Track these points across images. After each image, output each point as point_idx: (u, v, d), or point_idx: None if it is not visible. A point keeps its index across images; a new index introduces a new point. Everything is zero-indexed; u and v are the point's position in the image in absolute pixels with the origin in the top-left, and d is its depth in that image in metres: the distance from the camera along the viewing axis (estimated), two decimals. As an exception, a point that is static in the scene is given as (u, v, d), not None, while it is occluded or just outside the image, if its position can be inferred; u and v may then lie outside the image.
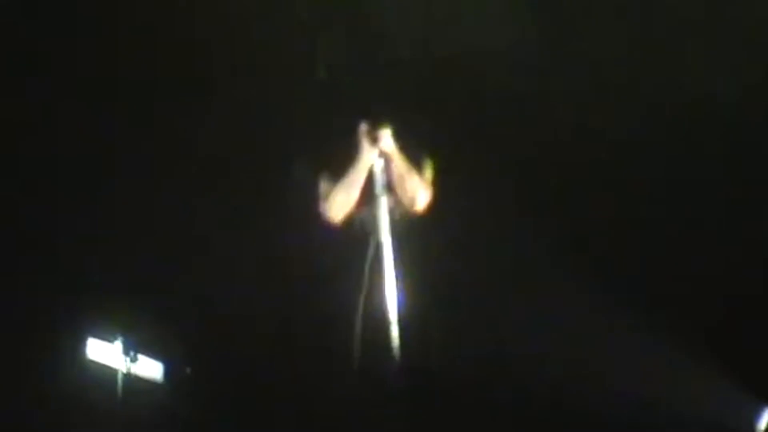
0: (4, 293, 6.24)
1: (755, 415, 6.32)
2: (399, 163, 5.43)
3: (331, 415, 5.77)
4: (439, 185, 5.62)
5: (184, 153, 6.53)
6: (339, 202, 5.46)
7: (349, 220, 5.50)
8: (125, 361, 5.80)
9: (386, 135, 5.36)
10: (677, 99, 6.63)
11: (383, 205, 5.34)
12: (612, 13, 6.72)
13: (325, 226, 5.53)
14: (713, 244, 6.56)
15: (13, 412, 5.95)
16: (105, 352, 5.85)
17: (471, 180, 6.33)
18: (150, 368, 5.92)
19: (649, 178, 6.68)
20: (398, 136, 5.42)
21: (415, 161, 5.52)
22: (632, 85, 6.69)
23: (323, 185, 5.51)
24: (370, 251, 5.35)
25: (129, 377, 5.85)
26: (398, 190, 5.46)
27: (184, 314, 6.31)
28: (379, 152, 5.37)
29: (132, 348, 5.80)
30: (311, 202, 5.59)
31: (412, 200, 5.51)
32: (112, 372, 5.87)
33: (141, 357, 5.83)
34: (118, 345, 5.80)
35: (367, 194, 5.42)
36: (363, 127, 5.39)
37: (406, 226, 5.49)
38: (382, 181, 5.37)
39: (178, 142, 6.52)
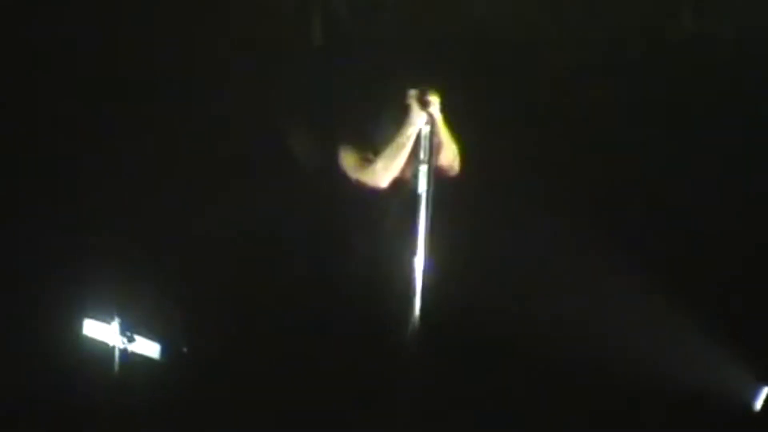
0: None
1: (752, 394, 6.34)
2: (442, 128, 5.45)
3: (333, 389, 5.82)
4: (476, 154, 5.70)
5: (186, 131, 6.53)
6: (386, 167, 5.50)
7: (394, 185, 5.56)
8: (122, 341, 5.78)
9: (435, 100, 5.38)
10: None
11: (425, 170, 5.35)
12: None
13: (365, 192, 5.58)
14: (723, 225, 6.59)
15: (10, 389, 5.96)
16: (102, 331, 5.82)
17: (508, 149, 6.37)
18: (147, 347, 5.90)
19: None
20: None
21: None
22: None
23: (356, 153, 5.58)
24: (411, 214, 5.37)
25: (126, 355, 5.83)
26: (439, 156, 5.50)
27: (181, 294, 6.30)
28: (427, 117, 5.37)
29: (129, 328, 5.78)
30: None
31: (451, 167, 5.61)
32: (108, 350, 5.85)
33: (138, 337, 5.81)
34: (115, 325, 5.78)
35: (412, 159, 5.45)
36: (413, 92, 5.40)
37: (446, 191, 5.49)
38: (427, 146, 5.37)
39: (181, 122, 6.52)
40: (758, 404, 6.33)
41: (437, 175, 5.47)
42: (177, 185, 6.53)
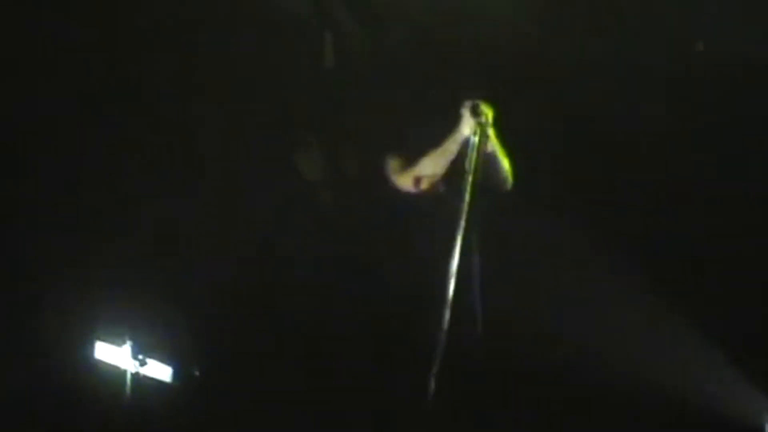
0: (12, 295, 6.24)
1: (763, 412, 6.34)
2: (494, 142, 5.45)
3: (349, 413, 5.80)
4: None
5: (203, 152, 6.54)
6: (425, 171, 5.50)
7: (432, 192, 5.54)
8: (134, 364, 5.78)
9: (487, 112, 5.37)
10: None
11: (469, 181, 5.26)
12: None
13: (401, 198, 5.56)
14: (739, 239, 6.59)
15: (22, 413, 5.95)
16: (114, 355, 5.82)
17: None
18: (159, 371, 5.90)
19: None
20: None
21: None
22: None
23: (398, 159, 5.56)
24: (448, 225, 5.30)
25: (138, 378, 5.83)
26: (491, 168, 5.47)
27: (194, 317, 6.30)
28: (476, 128, 5.37)
29: (141, 351, 5.78)
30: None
31: (504, 179, 5.58)
32: (120, 373, 5.85)
33: (150, 360, 5.81)
34: (126, 348, 5.78)
35: (456, 168, 5.41)
36: (466, 103, 5.39)
37: (488, 204, 5.46)
38: (473, 156, 5.33)
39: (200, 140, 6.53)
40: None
41: (484, 188, 5.43)
42: (193, 206, 6.52)
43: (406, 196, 5.59)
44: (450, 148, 5.44)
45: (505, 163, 5.57)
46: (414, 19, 6.82)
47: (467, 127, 5.36)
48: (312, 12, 6.79)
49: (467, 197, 5.23)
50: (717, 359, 6.36)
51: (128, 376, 5.79)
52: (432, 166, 5.51)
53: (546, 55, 6.80)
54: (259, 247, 6.57)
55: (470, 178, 5.26)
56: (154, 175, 6.53)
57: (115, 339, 5.81)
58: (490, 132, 5.40)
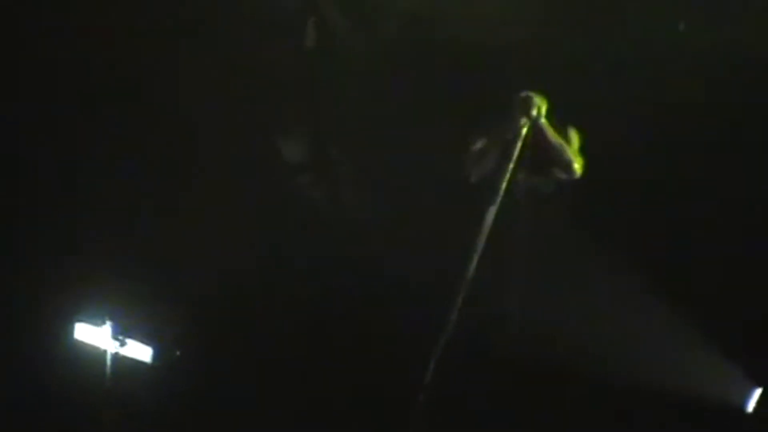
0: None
1: (745, 396, 6.35)
2: (551, 132, 5.49)
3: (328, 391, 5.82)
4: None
5: (182, 132, 6.53)
6: (479, 163, 5.56)
7: (482, 182, 5.59)
8: (114, 344, 5.75)
9: (539, 105, 5.42)
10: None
11: (514, 171, 5.39)
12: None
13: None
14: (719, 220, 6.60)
15: (1, 393, 5.93)
16: (93, 335, 5.80)
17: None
18: (139, 351, 5.87)
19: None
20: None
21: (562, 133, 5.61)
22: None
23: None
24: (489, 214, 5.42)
25: (118, 359, 5.81)
26: (552, 159, 5.56)
27: (174, 297, 6.28)
28: (526, 120, 5.39)
29: (120, 332, 5.75)
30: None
31: (569, 167, 5.63)
32: (100, 354, 5.82)
33: (130, 340, 5.78)
34: (106, 328, 5.75)
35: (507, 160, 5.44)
36: (519, 95, 5.43)
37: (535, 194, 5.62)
38: (521, 148, 5.40)
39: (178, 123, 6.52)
40: (751, 405, 6.34)
41: (547, 178, 5.59)
42: (172, 188, 6.51)
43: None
44: (501, 141, 5.50)
45: (566, 151, 5.61)
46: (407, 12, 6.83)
47: (518, 121, 5.39)
48: (302, 3, 6.79)
49: (501, 191, 5.28)
50: (697, 341, 6.37)
51: (108, 356, 5.76)
52: (485, 158, 5.59)
53: (539, 50, 6.80)
54: (243, 229, 6.55)
55: (512, 170, 5.31)
56: (136, 159, 6.52)
57: (95, 319, 5.78)
58: (545, 124, 5.42)
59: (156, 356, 5.90)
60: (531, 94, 5.45)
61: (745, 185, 6.60)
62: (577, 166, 5.66)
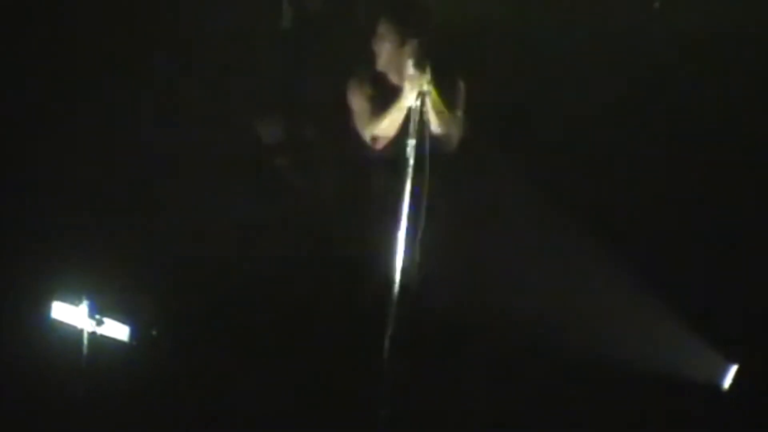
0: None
1: (721, 373, 6.38)
2: (436, 102, 5.50)
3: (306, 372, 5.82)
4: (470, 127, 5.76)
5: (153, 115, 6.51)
6: (382, 132, 5.65)
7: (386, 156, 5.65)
8: (91, 323, 5.73)
9: (427, 76, 5.40)
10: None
11: (413, 144, 5.39)
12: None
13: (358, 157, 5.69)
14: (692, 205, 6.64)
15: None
16: (70, 314, 5.78)
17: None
18: (116, 330, 5.86)
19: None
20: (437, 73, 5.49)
21: (450, 97, 5.67)
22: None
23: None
24: (396, 188, 5.43)
25: (95, 338, 5.79)
26: (434, 129, 5.54)
27: (152, 276, 6.27)
28: (418, 93, 5.40)
29: (97, 311, 5.73)
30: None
31: (448, 138, 5.68)
32: (77, 332, 5.80)
33: (107, 320, 5.76)
34: (83, 308, 5.73)
35: (404, 132, 5.48)
36: (408, 69, 5.41)
37: (437, 165, 5.56)
38: (417, 121, 5.41)
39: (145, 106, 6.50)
40: (726, 383, 6.38)
41: (437, 148, 5.54)
42: (146, 167, 6.50)
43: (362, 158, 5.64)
44: (396, 116, 5.55)
45: (450, 121, 5.65)
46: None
47: (409, 94, 5.42)
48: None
49: (411, 162, 5.30)
50: (673, 319, 6.41)
51: (85, 335, 5.74)
52: (387, 127, 5.60)
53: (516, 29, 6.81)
54: (222, 209, 6.55)
55: (414, 143, 5.33)
56: (113, 141, 6.51)
57: (72, 298, 5.76)
58: (433, 93, 5.43)
59: (133, 335, 5.90)
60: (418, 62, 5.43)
61: (721, 170, 6.64)
62: (457, 135, 5.68)
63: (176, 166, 6.50)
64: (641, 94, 6.79)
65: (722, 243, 6.64)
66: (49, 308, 5.82)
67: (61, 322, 5.81)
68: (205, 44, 6.60)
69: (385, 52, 5.71)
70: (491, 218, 6.55)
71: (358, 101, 5.76)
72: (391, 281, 5.42)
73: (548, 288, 6.46)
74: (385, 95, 5.67)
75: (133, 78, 6.50)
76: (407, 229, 5.39)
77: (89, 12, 6.55)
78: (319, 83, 6.42)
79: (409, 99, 5.45)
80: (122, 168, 6.47)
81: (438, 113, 5.55)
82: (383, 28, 5.70)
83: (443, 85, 5.61)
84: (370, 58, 5.77)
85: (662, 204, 6.77)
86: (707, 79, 6.74)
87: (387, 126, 5.62)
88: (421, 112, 5.40)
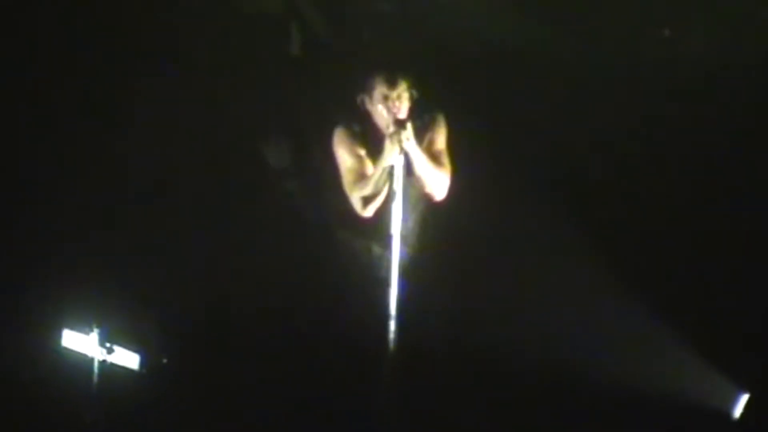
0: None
1: (733, 401, 6.36)
2: (419, 158, 5.53)
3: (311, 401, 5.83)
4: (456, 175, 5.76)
5: (162, 142, 6.53)
6: (367, 200, 5.63)
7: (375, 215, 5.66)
8: (101, 351, 5.76)
9: (407, 132, 5.43)
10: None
11: (399, 200, 5.42)
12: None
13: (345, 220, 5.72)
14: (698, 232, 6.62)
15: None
16: (81, 342, 5.80)
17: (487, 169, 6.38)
18: (126, 358, 5.88)
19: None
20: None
21: (434, 148, 5.68)
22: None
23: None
24: (384, 244, 5.48)
25: (105, 366, 5.81)
26: (419, 183, 5.62)
27: (161, 304, 6.29)
28: (399, 149, 5.43)
29: (108, 339, 5.76)
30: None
31: (433, 192, 5.68)
32: (88, 361, 5.83)
33: (117, 348, 5.79)
34: (94, 336, 5.76)
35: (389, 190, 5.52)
36: (390, 129, 5.47)
37: (421, 219, 5.70)
38: (401, 177, 5.45)
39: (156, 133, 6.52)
40: (737, 411, 6.36)
41: (422, 202, 5.66)
42: (156, 196, 6.51)
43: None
44: (381, 176, 5.55)
45: (435, 174, 5.65)
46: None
47: (390, 153, 5.45)
48: (285, 8, 6.80)
49: (395, 218, 5.37)
50: (684, 345, 6.39)
51: (96, 363, 5.77)
52: (370, 194, 5.63)
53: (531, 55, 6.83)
54: (228, 238, 6.56)
55: (398, 198, 5.38)
56: (122, 166, 6.52)
57: (83, 326, 5.79)
58: (415, 150, 5.48)
59: (143, 363, 5.92)
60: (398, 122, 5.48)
61: (731, 193, 6.63)
62: (443, 188, 5.70)
63: (185, 194, 6.51)
64: (649, 123, 6.77)
65: (741, 271, 6.61)
66: (60, 336, 5.86)
67: (72, 350, 5.85)
68: (212, 68, 6.62)
69: (370, 107, 5.71)
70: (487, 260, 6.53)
71: (344, 159, 5.73)
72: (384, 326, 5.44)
73: (554, 317, 6.44)
74: (370, 153, 5.68)
75: (141, 105, 6.52)
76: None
77: (96, 51, 6.59)
78: (326, 109, 6.43)
79: (391, 157, 5.45)
80: (132, 197, 6.48)
81: (422, 168, 5.57)
82: (369, 83, 5.69)
83: (425, 138, 5.65)
84: (356, 113, 5.79)
85: (675, 229, 6.73)
86: (714, 107, 6.73)
87: (373, 187, 5.60)
88: (405, 169, 5.45)
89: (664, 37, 6.86)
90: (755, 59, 6.67)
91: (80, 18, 6.57)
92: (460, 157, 5.82)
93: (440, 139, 5.77)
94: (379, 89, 5.64)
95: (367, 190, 5.61)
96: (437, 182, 5.68)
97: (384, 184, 5.54)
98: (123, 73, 6.54)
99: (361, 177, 5.65)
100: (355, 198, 5.67)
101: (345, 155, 5.73)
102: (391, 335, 5.41)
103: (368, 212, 5.66)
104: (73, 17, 6.56)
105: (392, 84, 5.63)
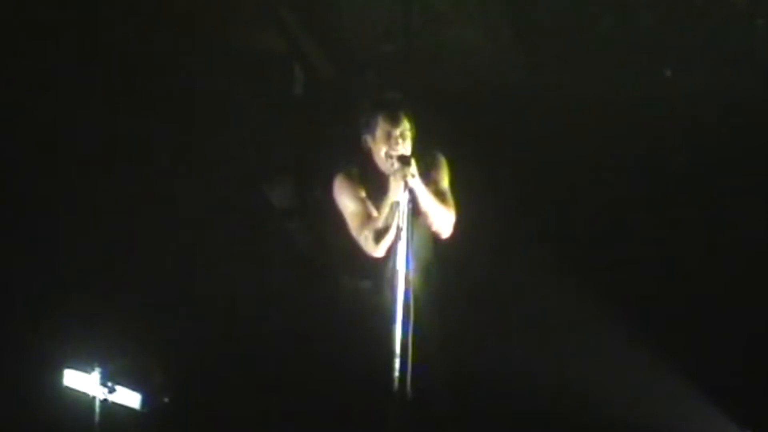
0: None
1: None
2: (424, 195, 5.55)
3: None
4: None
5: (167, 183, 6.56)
6: (378, 238, 5.61)
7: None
8: (103, 391, 5.75)
9: (411, 169, 5.45)
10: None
11: (405, 237, 5.41)
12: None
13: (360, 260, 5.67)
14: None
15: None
16: (82, 382, 5.80)
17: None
18: (128, 397, 5.87)
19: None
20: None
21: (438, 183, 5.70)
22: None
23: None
24: (390, 281, 5.49)
25: (107, 405, 5.80)
26: (425, 221, 5.63)
27: (163, 344, 6.30)
28: (405, 186, 5.44)
29: (109, 378, 5.75)
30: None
31: (439, 230, 5.69)
32: (89, 400, 5.82)
33: (119, 387, 5.78)
34: (95, 375, 5.75)
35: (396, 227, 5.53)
36: (394, 166, 5.49)
37: (427, 257, 5.69)
38: (407, 214, 5.44)
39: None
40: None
41: (428, 238, 5.66)
42: (159, 239, 6.54)
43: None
44: (388, 214, 5.56)
45: (440, 212, 5.67)
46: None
47: (395, 190, 5.48)
48: (281, 44, 6.85)
49: (403, 253, 5.36)
50: (687, 384, 6.38)
51: (97, 403, 5.76)
52: (380, 232, 5.62)
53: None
54: (230, 279, 6.58)
55: (404, 236, 5.36)
56: (125, 203, 6.55)
57: (84, 366, 5.79)
58: (420, 187, 5.50)
59: (144, 403, 5.91)
60: (402, 159, 5.49)
61: (730, 222, 6.64)
62: (449, 225, 5.71)
63: (188, 235, 6.54)
64: (653, 161, 6.79)
65: (743, 307, 6.60)
66: (61, 376, 5.85)
67: (73, 390, 5.83)
68: (216, 109, 6.66)
69: (373, 146, 5.73)
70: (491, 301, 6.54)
71: (347, 206, 5.72)
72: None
73: (559, 357, 6.44)
74: (373, 194, 5.67)
75: (144, 147, 6.56)
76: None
77: (99, 93, 6.63)
78: (331, 148, 6.46)
79: (396, 194, 5.47)
80: (134, 238, 6.51)
81: (427, 205, 5.58)
82: (373, 122, 5.70)
83: (429, 177, 5.65)
84: (357, 154, 5.80)
85: (677, 273, 6.74)
86: (717, 144, 6.76)
87: (383, 223, 5.60)
88: (411, 205, 5.44)
89: (667, 77, 6.89)
90: (755, 97, 6.69)
91: (89, 58, 6.62)
92: (462, 196, 5.82)
93: (444, 178, 5.78)
94: (382, 127, 5.65)
95: (377, 229, 5.61)
96: (442, 220, 5.69)
97: (392, 221, 5.55)
98: (126, 113, 6.58)
99: (368, 218, 5.64)
100: (363, 239, 5.65)
101: (347, 201, 5.72)
102: (396, 373, 5.40)
103: (380, 251, 5.64)
104: (83, 58, 6.61)
105: (395, 122, 5.65)
